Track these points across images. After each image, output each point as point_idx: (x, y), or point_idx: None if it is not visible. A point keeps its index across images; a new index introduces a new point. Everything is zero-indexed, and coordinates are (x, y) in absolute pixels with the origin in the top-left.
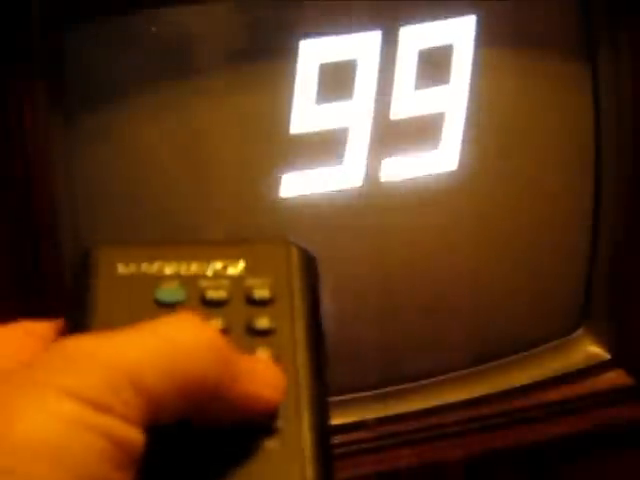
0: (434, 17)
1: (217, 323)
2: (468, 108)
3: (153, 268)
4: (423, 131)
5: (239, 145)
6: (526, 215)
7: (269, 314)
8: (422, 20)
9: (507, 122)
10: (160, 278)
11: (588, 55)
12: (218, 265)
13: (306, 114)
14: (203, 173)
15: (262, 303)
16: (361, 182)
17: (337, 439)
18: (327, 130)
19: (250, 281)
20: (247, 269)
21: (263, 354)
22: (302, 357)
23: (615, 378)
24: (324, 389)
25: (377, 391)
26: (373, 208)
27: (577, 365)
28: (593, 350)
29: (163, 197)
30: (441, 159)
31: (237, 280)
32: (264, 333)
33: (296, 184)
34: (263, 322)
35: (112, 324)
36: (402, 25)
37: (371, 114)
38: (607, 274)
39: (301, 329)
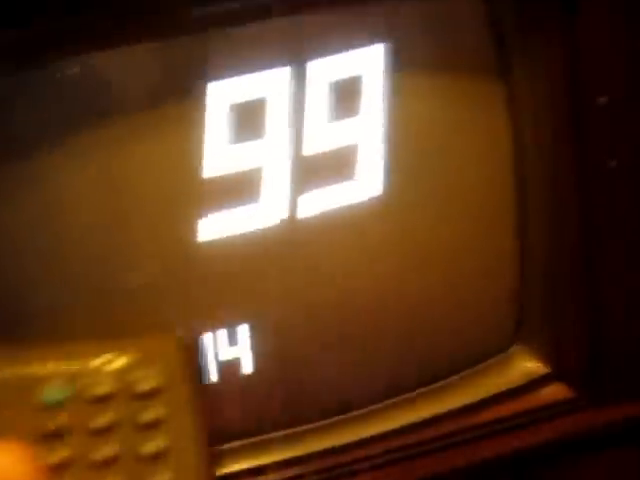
0: (342, 49)
1: (103, 420)
2: (384, 136)
3: (31, 370)
4: (339, 163)
5: (156, 191)
6: (453, 235)
7: (154, 408)
8: (330, 53)
9: (424, 146)
10: (41, 379)
11: (502, 74)
12: (101, 361)
13: (219, 156)
14: (123, 220)
15: (146, 396)
16: (279, 219)
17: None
18: (242, 170)
19: (134, 375)
20: (130, 363)
21: None
22: (190, 447)
23: (554, 392)
24: (212, 475)
25: (302, 428)
26: (293, 245)
27: (516, 381)
28: (530, 365)
29: (82, 247)
30: (359, 189)
31: (121, 374)
32: (150, 427)
33: (214, 226)
34: (148, 416)
35: None
36: (310, 59)
37: (285, 151)
38: (538, 287)
39: (188, 420)
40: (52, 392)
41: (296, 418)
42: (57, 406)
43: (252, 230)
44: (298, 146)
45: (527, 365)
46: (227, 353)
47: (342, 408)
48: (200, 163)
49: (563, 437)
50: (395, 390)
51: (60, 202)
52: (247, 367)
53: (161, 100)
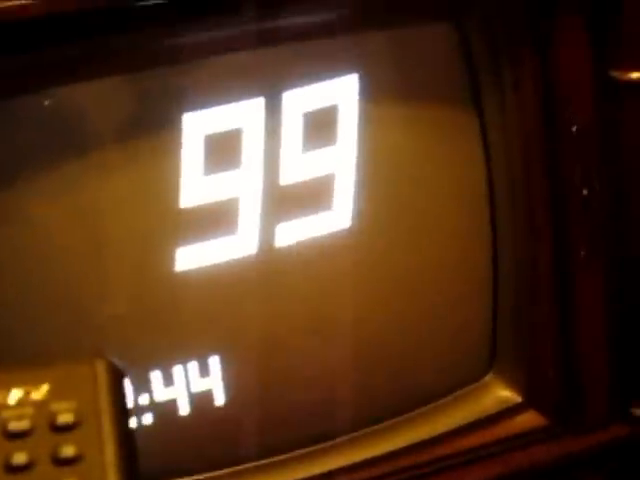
0: (316, 79)
1: (21, 457)
2: (357, 165)
3: None
4: (314, 193)
5: (132, 221)
6: (425, 265)
7: (75, 440)
8: (304, 83)
9: (398, 175)
10: None
11: (474, 102)
12: (21, 392)
13: (195, 186)
14: (99, 250)
15: (67, 428)
16: (255, 249)
17: None
18: (217, 201)
19: (54, 406)
20: (51, 392)
21: None
22: None
23: (528, 420)
24: None
25: (286, 455)
26: (269, 274)
27: (490, 410)
28: (504, 393)
29: (58, 277)
30: (334, 218)
31: (41, 406)
32: (71, 461)
33: (190, 257)
34: (69, 450)
35: None
36: (284, 90)
37: (260, 181)
38: (511, 315)
39: (110, 452)
40: None
41: (270, 448)
42: None
43: (228, 260)
44: (274, 176)
45: (501, 394)
46: (199, 385)
47: (316, 438)
48: (176, 194)
49: (536, 465)
50: (368, 420)
51: (33, 232)
52: (219, 398)
53: (136, 131)
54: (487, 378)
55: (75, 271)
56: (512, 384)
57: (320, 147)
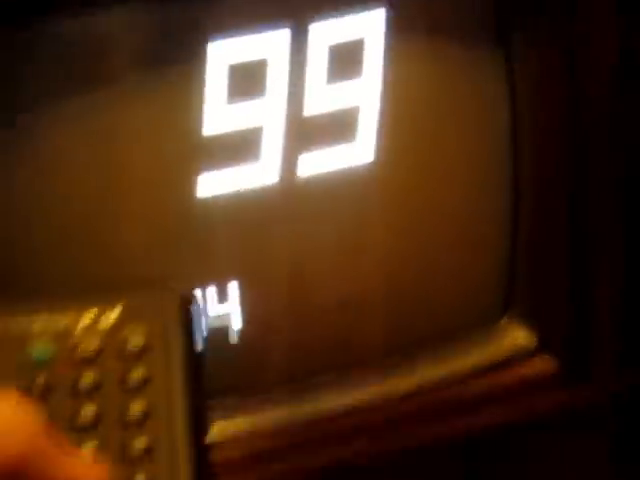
0: (343, 12)
1: (89, 379)
2: (382, 99)
3: (22, 324)
4: (338, 125)
5: (153, 149)
6: (444, 204)
7: (143, 366)
8: (331, 15)
9: (422, 111)
10: (29, 335)
11: (501, 42)
12: (91, 316)
13: (218, 115)
14: (118, 178)
15: (136, 354)
16: (277, 179)
17: None
18: (241, 130)
19: (124, 331)
20: (121, 318)
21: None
22: (178, 409)
23: (542, 365)
24: (201, 438)
25: (299, 384)
26: (290, 204)
27: (503, 353)
28: (518, 337)
29: (76, 204)
30: (357, 152)
31: (111, 331)
32: (138, 386)
33: (212, 184)
34: (137, 375)
35: None
36: (311, 21)
37: (284, 111)
38: (528, 261)
39: (177, 381)
40: (38, 350)
41: (286, 377)
42: (42, 364)
43: (250, 188)
44: (298, 106)
45: (514, 338)
46: (217, 310)
47: (329, 370)
48: (199, 122)
49: (546, 410)
50: (380, 356)
51: (54, 159)
52: (236, 324)
53: (159, 59)
54: (501, 321)
55: (94, 199)
56: (526, 329)
57: (345, 80)
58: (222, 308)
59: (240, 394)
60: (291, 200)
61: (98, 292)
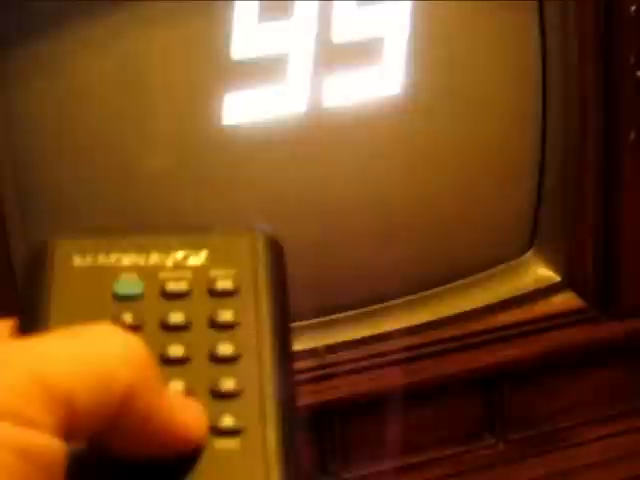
0: None
1: (178, 317)
2: (410, 33)
3: (111, 260)
4: (365, 55)
5: (181, 71)
6: (473, 137)
7: (232, 306)
8: None
9: (451, 48)
10: (118, 270)
11: None
12: (179, 255)
13: (248, 39)
14: (145, 100)
15: (225, 295)
16: (305, 106)
17: None
18: (269, 54)
19: (213, 272)
20: (210, 259)
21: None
22: (267, 352)
23: (565, 300)
24: (290, 383)
25: (324, 318)
26: (317, 131)
27: (527, 288)
28: (543, 272)
29: (104, 124)
30: (385, 81)
31: (199, 271)
32: (227, 326)
33: (239, 108)
34: (226, 315)
35: (68, 319)
36: None
37: (313, 37)
38: (555, 197)
39: (266, 323)
40: (127, 284)
41: (314, 310)
42: (132, 299)
43: (276, 115)
44: (327, 32)
45: (539, 272)
46: None
47: (353, 305)
48: (227, 45)
49: (570, 346)
50: (410, 288)
51: (80, 86)
52: None
53: None
54: (527, 255)
55: (121, 124)
56: (551, 264)
57: (373, 11)
58: None
59: None
60: (317, 129)
61: (185, 231)
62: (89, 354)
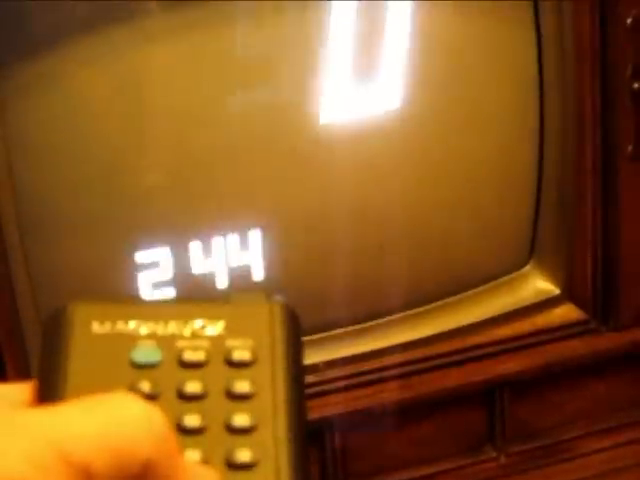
0: None
1: (195, 386)
2: (409, 47)
3: (129, 327)
4: (364, 71)
5: (182, 89)
6: (471, 152)
7: (249, 377)
8: None
9: (449, 60)
10: (136, 337)
11: None
12: (197, 324)
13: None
14: (140, 120)
15: (242, 365)
16: (302, 124)
17: None
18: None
19: (230, 342)
20: (227, 329)
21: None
22: (282, 423)
23: (565, 312)
24: (304, 455)
25: (325, 334)
26: (316, 149)
27: (527, 300)
28: (542, 285)
29: (100, 147)
30: (383, 98)
31: (216, 340)
32: (243, 397)
33: (241, 125)
34: (243, 386)
35: (86, 386)
36: None
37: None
38: (553, 210)
39: (282, 393)
40: (145, 353)
41: (314, 325)
42: (149, 367)
43: (273, 130)
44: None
45: (539, 285)
46: (238, 259)
47: (352, 319)
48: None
49: (570, 358)
50: (407, 303)
51: (76, 101)
52: (258, 274)
53: None
54: (526, 269)
55: (116, 140)
56: (550, 276)
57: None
58: (243, 257)
59: None
60: (316, 146)
61: (204, 300)
62: (109, 426)
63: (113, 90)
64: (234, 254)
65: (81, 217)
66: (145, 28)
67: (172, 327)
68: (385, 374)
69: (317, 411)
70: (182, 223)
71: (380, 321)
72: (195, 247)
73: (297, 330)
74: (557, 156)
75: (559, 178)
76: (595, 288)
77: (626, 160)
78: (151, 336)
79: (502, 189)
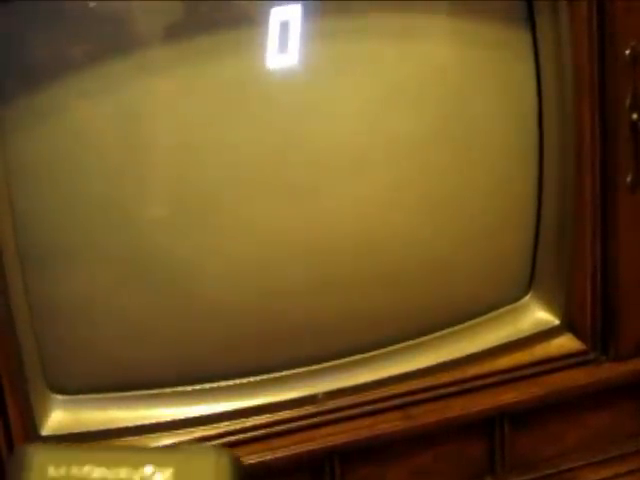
0: None
1: None
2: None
3: (83, 472)
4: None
5: (181, 119)
6: (471, 184)
7: None
8: None
9: (447, 91)
10: None
11: (529, 22)
12: (147, 471)
13: None
14: (140, 153)
15: None
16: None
17: (287, 414)
18: None
19: None
20: (175, 476)
21: None
22: None
23: (564, 343)
24: None
25: (324, 365)
26: (314, 176)
27: (527, 331)
28: (542, 316)
29: (99, 179)
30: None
31: None
32: None
33: (230, 163)
34: None
35: None
36: None
37: None
38: (553, 241)
39: None
40: None
41: (312, 356)
42: None
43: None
44: None
45: (538, 316)
46: None
47: (352, 350)
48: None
49: (570, 388)
50: (405, 335)
51: (74, 133)
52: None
53: (182, 33)
54: (525, 300)
55: (116, 172)
56: (550, 307)
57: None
58: None
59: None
60: (316, 173)
61: (155, 449)
62: None
63: (113, 122)
64: None
65: (80, 247)
66: (145, 61)
67: (123, 473)
68: (385, 405)
69: (317, 442)
70: (182, 254)
71: (380, 352)
72: None
73: (241, 477)
74: (556, 188)
75: (558, 210)
76: (594, 319)
77: (625, 192)
78: None
79: (502, 221)
